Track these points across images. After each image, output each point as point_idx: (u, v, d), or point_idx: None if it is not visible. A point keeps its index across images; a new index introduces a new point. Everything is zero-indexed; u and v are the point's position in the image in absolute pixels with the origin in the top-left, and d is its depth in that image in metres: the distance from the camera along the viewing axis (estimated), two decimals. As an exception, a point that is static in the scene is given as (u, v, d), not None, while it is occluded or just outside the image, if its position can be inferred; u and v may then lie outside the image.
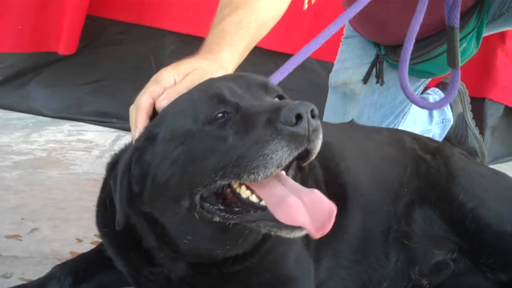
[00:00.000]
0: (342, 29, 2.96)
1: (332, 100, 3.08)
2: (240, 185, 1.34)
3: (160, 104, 1.50)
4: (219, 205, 1.36)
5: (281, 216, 1.27)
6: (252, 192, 1.33)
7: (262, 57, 4.15)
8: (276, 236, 1.33)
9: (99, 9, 4.47)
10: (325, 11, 3.75)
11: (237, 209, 1.35)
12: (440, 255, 1.87)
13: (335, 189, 1.82)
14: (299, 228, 1.26)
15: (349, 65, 2.98)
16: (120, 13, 4.52)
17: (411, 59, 2.48)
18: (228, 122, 1.33)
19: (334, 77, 3.07)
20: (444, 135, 3.39)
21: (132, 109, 1.56)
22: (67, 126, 4.51)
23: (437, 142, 2.30)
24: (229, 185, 1.34)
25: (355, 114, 2.90)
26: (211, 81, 1.47)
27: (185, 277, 1.56)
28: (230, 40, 1.79)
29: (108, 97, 4.53)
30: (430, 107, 2.74)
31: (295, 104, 1.24)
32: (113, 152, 1.68)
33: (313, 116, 1.25)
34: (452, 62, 2.53)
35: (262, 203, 1.32)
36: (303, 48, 1.99)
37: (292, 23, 3.75)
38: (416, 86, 2.96)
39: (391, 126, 2.95)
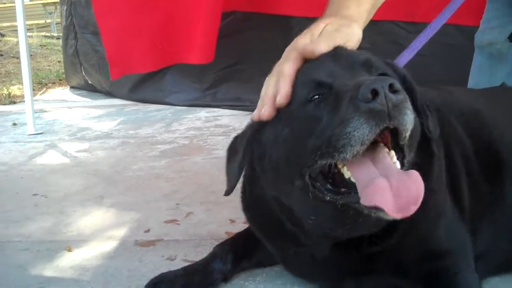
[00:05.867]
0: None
1: (478, 60, 2.90)
2: (344, 165, 1.32)
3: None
4: (328, 185, 1.35)
5: (364, 197, 1.24)
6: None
7: (389, 25, 4.05)
8: (378, 217, 1.27)
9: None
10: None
11: (343, 190, 1.33)
12: None
13: (488, 158, 1.71)
14: (380, 209, 1.22)
15: (495, 24, 2.77)
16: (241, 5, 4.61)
17: None
18: (322, 103, 1.33)
19: (480, 37, 2.88)
20: None
21: (270, 78, 1.51)
22: (203, 113, 4.70)
23: None
24: (336, 165, 1.32)
25: (503, 75, 2.71)
26: (312, 62, 1.45)
27: (329, 257, 1.56)
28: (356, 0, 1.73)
29: (239, 82, 4.64)
30: None
31: (371, 80, 1.20)
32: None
33: (394, 91, 1.19)
34: None
35: None
36: (430, 23, 1.92)
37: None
38: None
39: (544, 86, 2.72)
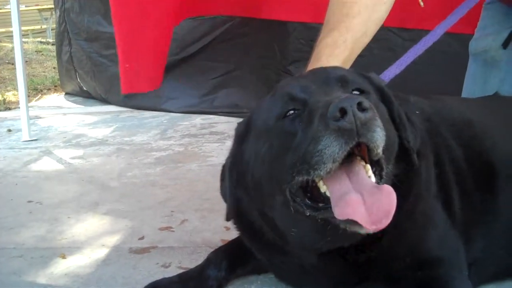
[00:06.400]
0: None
1: (472, 68, 2.91)
2: (320, 179, 1.34)
3: None
4: (307, 200, 1.38)
5: (337, 211, 1.27)
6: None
7: (385, 32, 4.06)
8: (352, 231, 1.30)
9: (214, 8, 4.54)
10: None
11: (320, 205, 1.36)
12: None
13: (480, 167, 1.72)
14: (354, 222, 1.25)
15: (490, 31, 2.79)
16: (236, 10, 4.59)
17: None
18: (296, 118, 1.36)
19: (474, 45, 2.90)
20: None
21: None
22: (199, 120, 4.70)
23: None
24: (313, 180, 1.34)
25: (497, 82, 2.72)
26: (289, 80, 1.51)
27: (317, 266, 1.57)
28: (325, 61, 1.85)
29: (237, 88, 4.63)
30: None
31: (340, 99, 1.23)
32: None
33: (363, 109, 1.21)
34: None
35: None
36: (422, 39, 1.96)
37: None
38: None
39: (537, 94, 2.73)
